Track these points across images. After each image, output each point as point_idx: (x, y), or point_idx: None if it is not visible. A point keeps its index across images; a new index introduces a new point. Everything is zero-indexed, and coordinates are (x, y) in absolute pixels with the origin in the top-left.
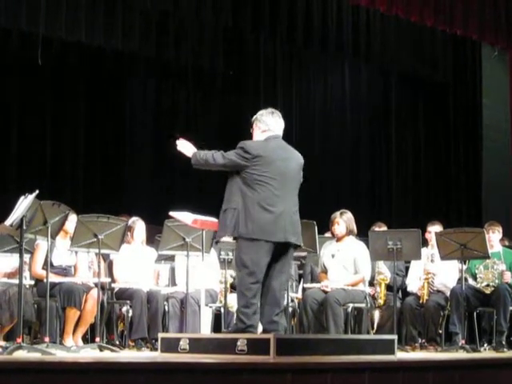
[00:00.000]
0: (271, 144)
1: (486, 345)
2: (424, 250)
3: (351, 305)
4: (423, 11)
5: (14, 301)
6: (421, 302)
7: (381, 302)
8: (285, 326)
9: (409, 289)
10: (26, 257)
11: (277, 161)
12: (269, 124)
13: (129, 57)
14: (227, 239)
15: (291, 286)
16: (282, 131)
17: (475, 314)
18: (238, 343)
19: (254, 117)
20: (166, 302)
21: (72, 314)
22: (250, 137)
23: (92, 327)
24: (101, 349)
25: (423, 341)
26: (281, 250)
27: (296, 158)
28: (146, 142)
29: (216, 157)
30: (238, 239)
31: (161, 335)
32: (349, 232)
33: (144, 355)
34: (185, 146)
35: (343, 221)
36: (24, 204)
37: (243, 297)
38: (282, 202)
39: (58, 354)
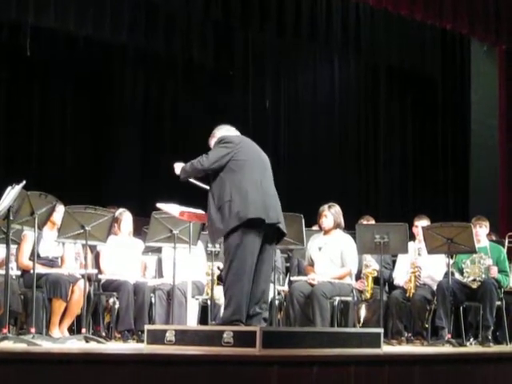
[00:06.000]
0: (245, 138)
1: (472, 339)
2: (411, 244)
3: (338, 298)
4: (413, 5)
5: (0, 291)
6: (407, 295)
7: (368, 295)
8: (266, 316)
9: (395, 282)
10: (13, 247)
11: (254, 153)
12: (228, 128)
13: (118, 48)
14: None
15: (278, 278)
16: None
17: (461, 308)
18: (225, 335)
19: (212, 134)
20: (152, 294)
21: (58, 305)
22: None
23: (78, 318)
24: (87, 340)
25: (409, 335)
26: (267, 238)
27: (265, 155)
28: (135, 134)
29: (202, 161)
30: (233, 229)
31: (147, 327)
32: (336, 225)
33: (130, 347)
34: (177, 167)
35: (331, 214)
36: (11, 194)
37: (238, 288)
38: (268, 186)
39: (44, 345)
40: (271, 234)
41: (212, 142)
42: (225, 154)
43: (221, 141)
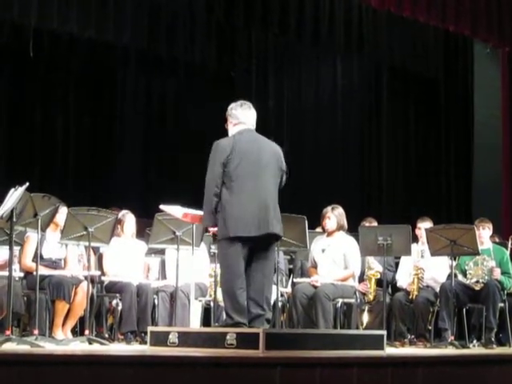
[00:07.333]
0: (243, 137)
1: (475, 341)
2: (414, 246)
3: (340, 300)
4: (415, 6)
5: (3, 293)
6: (410, 297)
7: (370, 297)
8: (269, 317)
9: (398, 284)
10: (16, 249)
11: (249, 154)
12: (239, 117)
13: (120, 49)
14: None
15: (281, 280)
16: (254, 122)
17: (464, 310)
18: (228, 337)
19: (227, 111)
20: (155, 296)
21: (61, 307)
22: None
23: (81, 320)
24: (90, 342)
25: (412, 336)
26: (262, 243)
27: (272, 150)
28: (137, 135)
29: (210, 187)
30: (219, 240)
31: (150, 329)
32: (339, 227)
33: (133, 348)
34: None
35: (334, 216)
36: (14, 196)
37: (229, 295)
38: (258, 194)
39: (47, 347)
40: (265, 239)
41: (228, 125)
42: (220, 172)
43: (215, 150)
